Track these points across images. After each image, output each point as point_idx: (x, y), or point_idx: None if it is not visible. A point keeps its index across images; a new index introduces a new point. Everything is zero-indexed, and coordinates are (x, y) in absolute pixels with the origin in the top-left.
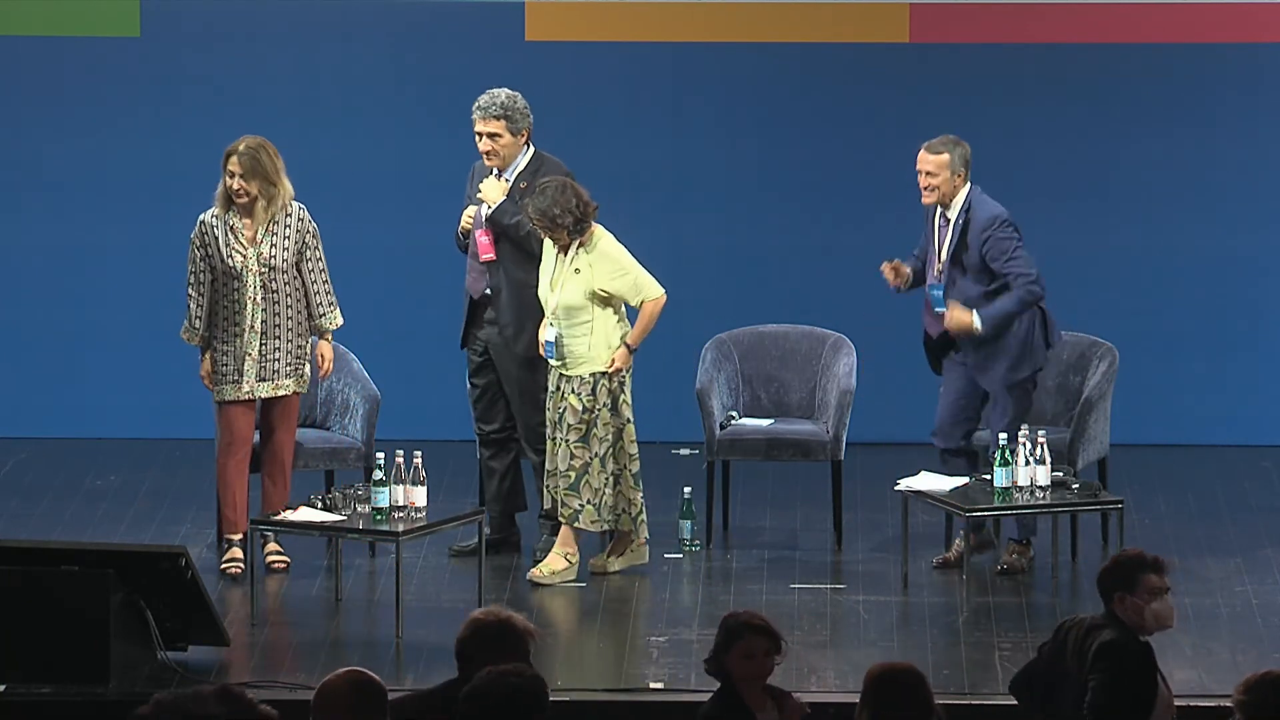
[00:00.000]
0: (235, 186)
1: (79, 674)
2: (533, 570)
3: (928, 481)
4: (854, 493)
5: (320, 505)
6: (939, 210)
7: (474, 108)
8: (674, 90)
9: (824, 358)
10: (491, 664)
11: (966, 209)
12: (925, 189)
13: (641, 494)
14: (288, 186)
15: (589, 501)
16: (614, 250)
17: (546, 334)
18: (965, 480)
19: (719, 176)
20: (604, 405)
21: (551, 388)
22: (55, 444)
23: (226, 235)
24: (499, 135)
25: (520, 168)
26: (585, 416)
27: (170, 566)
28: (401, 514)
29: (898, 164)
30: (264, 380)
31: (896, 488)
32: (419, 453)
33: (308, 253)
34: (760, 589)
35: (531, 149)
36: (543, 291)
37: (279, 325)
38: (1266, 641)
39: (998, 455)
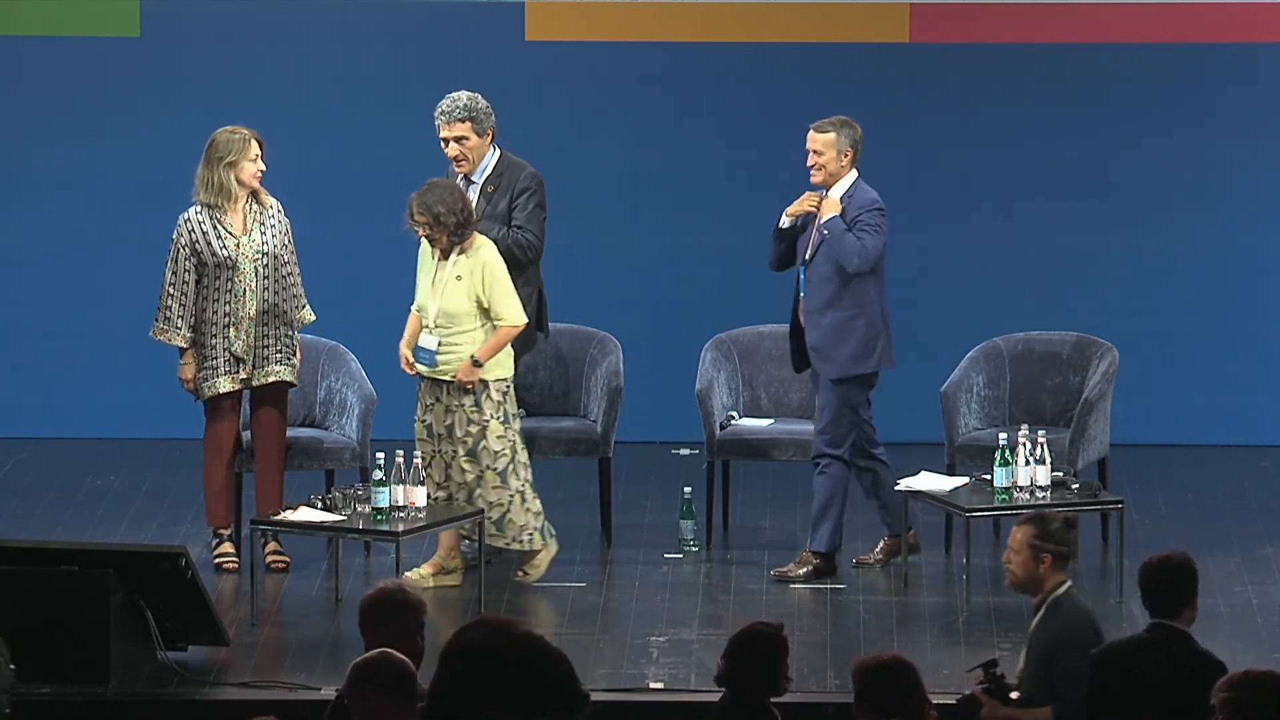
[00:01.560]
0: (257, 170)
1: (79, 674)
2: (519, 574)
3: (928, 481)
4: (854, 493)
5: (320, 505)
6: (824, 192)
7: (436, 114)
8: (674, 90)
9: None
10: (386, 637)
11: (850, 194)
12: (812, 168)
13: (538, 499)
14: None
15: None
16: (494, 261)
17: (425, 341)
18: (965, 480)
19: (719, 176)
20: (491, 416)
21: (429, 399)
22: (55, 444)
23: (215, 228)
24: (466, 138)
25: (488, 170)
26: (472, 430)
27: (170, 566)
28: (401, 514)
29: (898, 164)
30: (258, 368)
31: (896, 488)
32: (419, 453)
33: (288, 248)
34: (760, 589)
35: (497, 151)
36: (421, 299)
37: (272, 313)
38: (1266, 641)
39: (998, 455)
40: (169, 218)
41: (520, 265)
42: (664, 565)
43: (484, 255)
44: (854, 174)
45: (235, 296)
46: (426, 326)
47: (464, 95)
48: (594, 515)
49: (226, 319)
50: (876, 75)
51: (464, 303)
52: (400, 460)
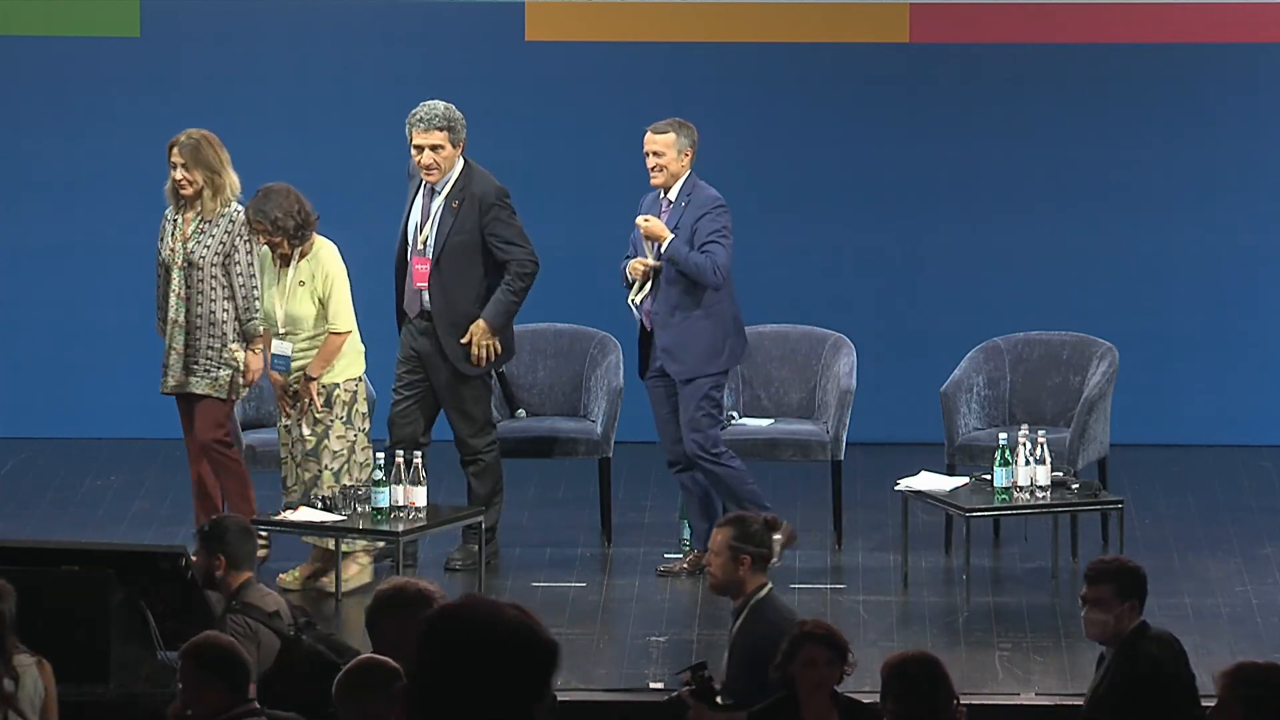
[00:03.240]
0: (179, 177)
1: (79, 674)
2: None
3: (928, 481)
4: (854, 493)
5: (320, 505)
6: (661, 193)
7: (412, 120)
8: (674, 90)
9: (824, 358)
10: (398, 632)
11: (689, 192)
12: (654, 169)
13: None
14: (233, 179)
15: None
16: (333, 266)
17: (279, 348)
18: (965, 480)
19: (718, 176)
20: (337, 417)
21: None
22: (55, 444)
23: (170, 231)
24: (442, 147)
25: (452, 182)
26: (318, 429)
27: (170, 566)
28: (401, 514)
29: (898, 164)
30: (179, 376)
31: (896, 488)
32: (419, 453)
33: (237, 255)
34: None
35: (463, 161)
36: (268, 305)
37: (195, 324)
38: (1266, 641)
39: (998, 455)
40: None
41: (531, 282)
42: (664, 565)
43: (324, 258)
44: (689, 173)
45: (168, 301)
46: (276, 334)
47: (441, 104)
48: (594, 515)
49: (163, 324)
50: (876, 75)
51: (309, 307)
52: (400, 460)
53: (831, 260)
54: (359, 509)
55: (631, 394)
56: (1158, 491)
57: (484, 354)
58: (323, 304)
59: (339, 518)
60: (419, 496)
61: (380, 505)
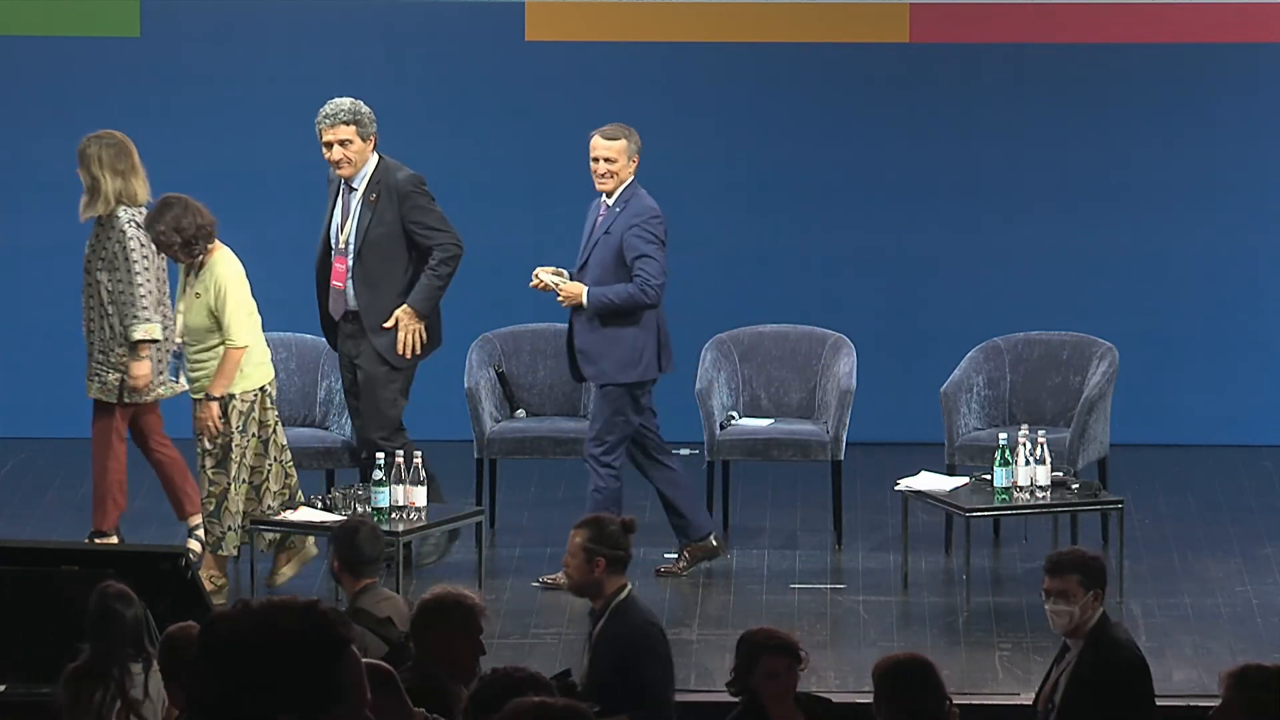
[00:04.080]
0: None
1: None
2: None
3: (928, 481)
4: (854, 493)
5: (320, 505)
6: (601, 198)
7: (320, 118)
8: (674, 90)
9: (824, 358)
10: (442, 640)
11: (627, 199)
12: (602, 176)
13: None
14: (112, 187)
15: (230, 528)
16: (226, 279)
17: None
18: (965, 480)
19: (719, 176)
20: (236, 428)
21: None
22: (55, 444)
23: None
24: (350, 141)
25: (368, 176)
26: (220, 440)
27: (170, 566)
28: (401, 514)
29: (898, 164)
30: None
31: (896, 488)
32: (419, 453)
33: (116, 261)
34: (760, 589)
35: (378, 156)
36: (181, 314)
37: (90, 329)
38: (1266, 641)
39: (998, 455)
40: None
41: (456, 267)
42: (664, 565)
43: (218, 272)
44: (633, 179)
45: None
46: (179, 343)
47: (347, 100)
48: None
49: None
50: (876, 75)
51: (205, 319)
52: (400, 460)
53: (831, 260)
54: (359, 509)
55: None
56: (1158, 491)
57: (410, 339)
58: (215, 317)
59: (339, 518)
60: (419, 496)
61: (380, 505)
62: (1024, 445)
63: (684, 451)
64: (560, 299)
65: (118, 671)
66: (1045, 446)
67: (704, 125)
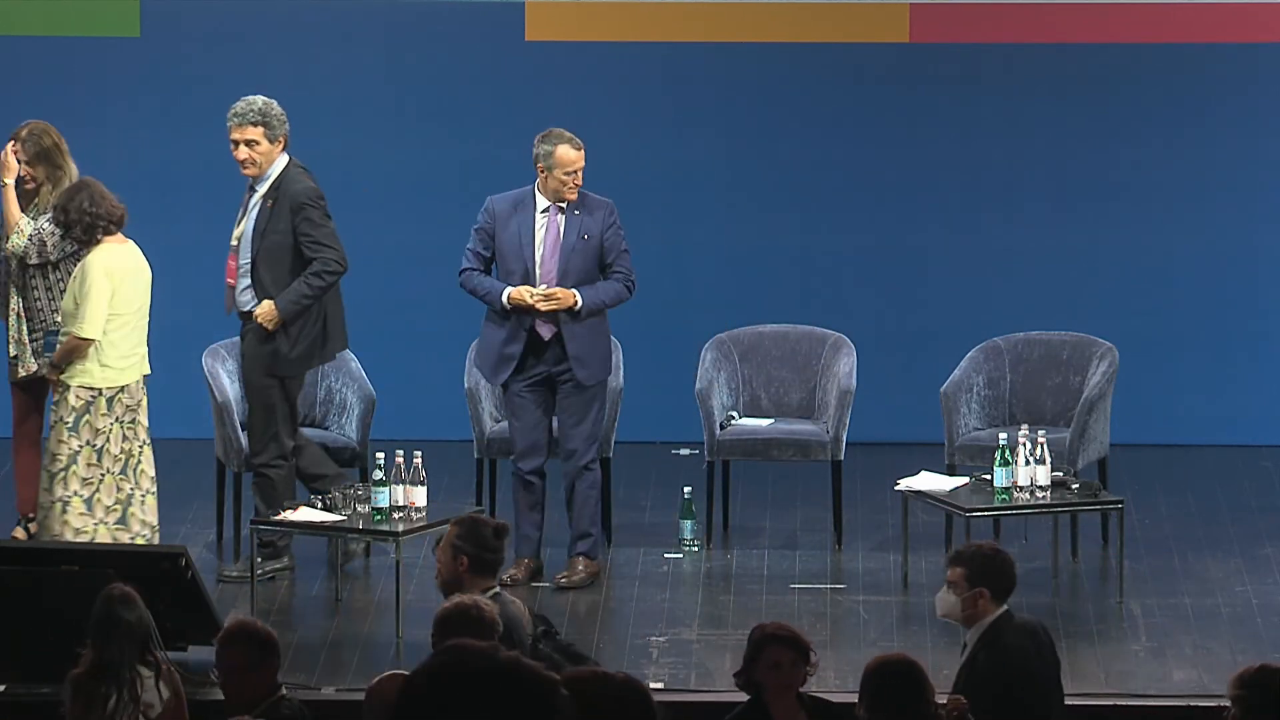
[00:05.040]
0: (22, 172)
1: None
2: None
3: (928, 481)
4: (854, 493)
5: (320, 505)
6: (544, 208)
7: (230, 115)
8: (674, 90)
9: (824, 358)
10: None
11: (583, 200)
12: (574, 186)
13: (88, 519)
14: (74, 169)
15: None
16: (90, 270)
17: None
18: (965, 480)
19: (719, 176)
20: (61, 419)
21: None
22: None
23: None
24: (257, 142)
25: (271, 179)
26: (54, 428)
27: (170, 566)
28: (401, 514)
29: (898, 164)
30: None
31: (896, 488)
32: (419, 453)
33: (33, 250)
34: (760, 589)
35: (287, 158)
36: None
37: (22, 312)
38: (1266, 641)
39: (998, 455)
40: (168, 217)
41: (334, 282)
42: (664, 565)
43: (87, 260)
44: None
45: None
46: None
47: (260, 99)
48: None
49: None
50: (876, 75)
51: (70, 303)
52: (400, 460)
53: (831, 260)
54: (359, 509)
55: (631, 394)
56: (1158, 491)
57: (265, 324)
58: (76, 304)
59: (339, 518)
60: (419, 496)
61: (380, 505)
62: (1024, 445)
63: (684, 451)
64: (549, 306)
65: (128, 674)
66: (1045, 446)
67: (704, 125)
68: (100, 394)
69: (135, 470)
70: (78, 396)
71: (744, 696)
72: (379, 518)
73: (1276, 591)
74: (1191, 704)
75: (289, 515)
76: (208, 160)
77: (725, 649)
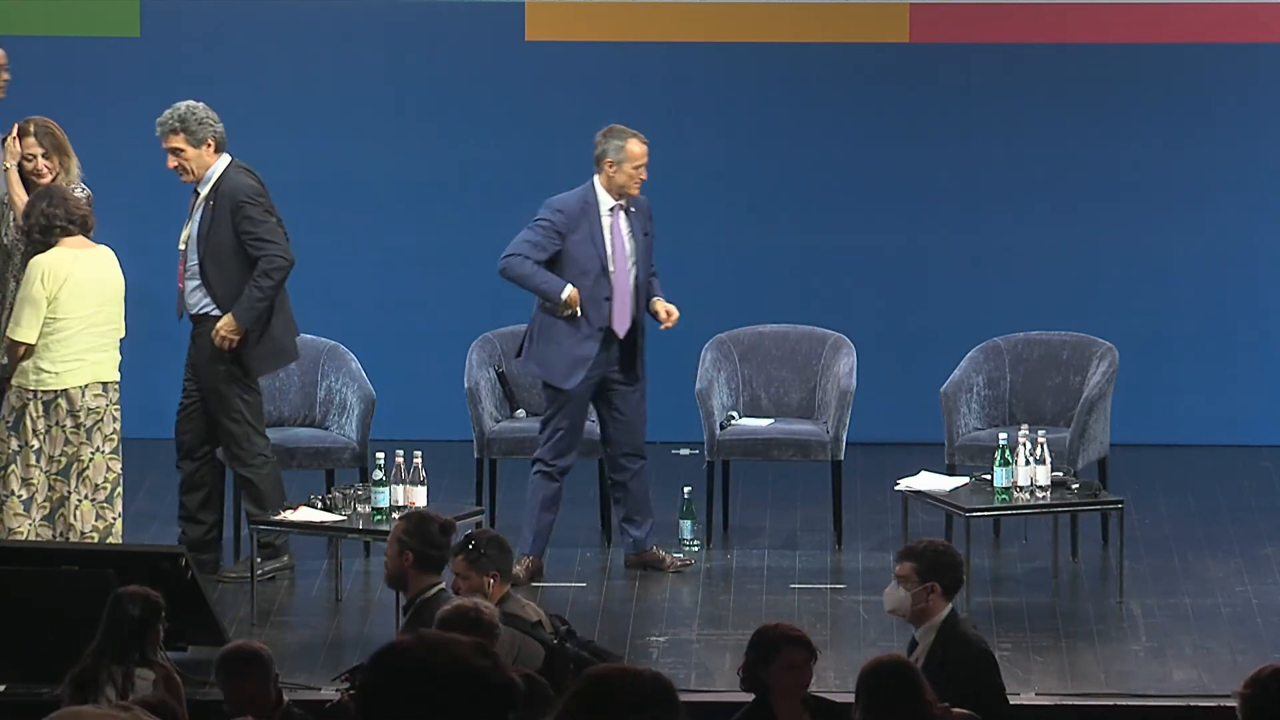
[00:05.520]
0: (39, 167)
1: None
2: None
3: (928, 481)
4: (854, 493)
5: (320, 505)
6: (608, 206)
7: (156, 125)
8: (673, 90)
9: (824, 358)
10: None
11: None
12: (639, 181)
13: (25, 520)
14: (76, 162)
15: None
16: (30, 274)
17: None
18: (965, 480)
19: (719, 176)
20: (4, 419)
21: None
22: None
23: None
24: (181, 149)
25: (211, 182)
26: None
27: (170, 566)
28: (401, 514)
29: (898, 164)
30: None
31: (896, 488)
32: (419, 453)
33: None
34: (760, 589)
35: (227, 159)
36: None
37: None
38: (1266, 641)
39: (998, 455)
40: (168, 217)
41: (282, 279)
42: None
43: (32, 263)
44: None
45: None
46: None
47: (183, 105)
48: (594, 515)
49: None
50: (876, 75)
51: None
52: (400, 460)
53: (832, 260)
54: (359, 509)
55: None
56: (1158, 491)
57: (223, 345)
58: (13, 307)
59: (339, 518)
60: (419, 496)
61: (380, 505)
62: (1024, 445)
63: (684, 451)
64: (671, 323)
65: (119, 675)
66: (1045, 446)
67: (704, 125)
68: (36, 396)
69: (79, 475)
70: (18, 397)
71: (743, 696)
72: (379, 518)
73: (1276, 591)
74: (1191, 704)
75: (289, 515)
76: None
77: (725, 649)
